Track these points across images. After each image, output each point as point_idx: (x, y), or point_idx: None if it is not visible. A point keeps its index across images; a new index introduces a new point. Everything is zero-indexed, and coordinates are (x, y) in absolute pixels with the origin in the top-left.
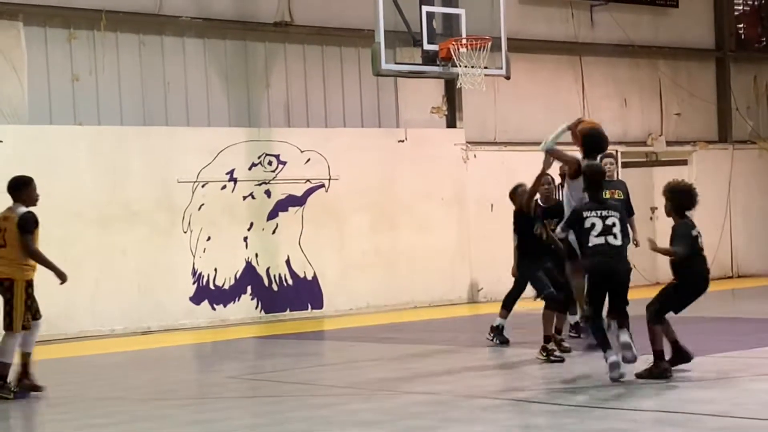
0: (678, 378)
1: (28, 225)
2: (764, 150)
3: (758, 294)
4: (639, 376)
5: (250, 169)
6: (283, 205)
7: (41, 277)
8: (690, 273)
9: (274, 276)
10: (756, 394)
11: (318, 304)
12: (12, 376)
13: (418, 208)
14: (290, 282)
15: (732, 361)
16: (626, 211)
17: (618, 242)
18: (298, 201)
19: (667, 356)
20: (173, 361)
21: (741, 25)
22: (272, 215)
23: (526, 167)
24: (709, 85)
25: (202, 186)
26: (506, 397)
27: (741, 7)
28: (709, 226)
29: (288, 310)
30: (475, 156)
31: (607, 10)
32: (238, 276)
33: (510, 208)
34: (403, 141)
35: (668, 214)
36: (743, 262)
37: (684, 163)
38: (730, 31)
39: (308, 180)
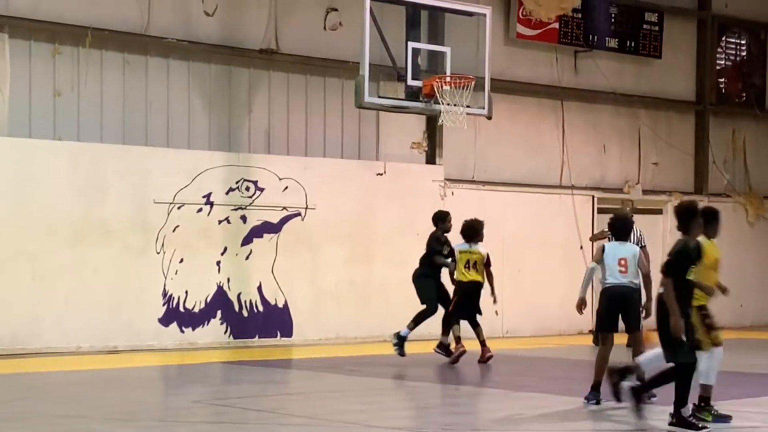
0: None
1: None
2: (739, 204)
3: (726, 347)
4: None
5: (227, 193)
6: (258, 232)
7: (7, 293)
8: None
9: (245, 302)
10: None
11: (287, 332)
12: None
13: (393, 242)
14: (261, 309)
15: None
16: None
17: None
18: (273, 228)
19: None
20: (138, 382)
21: (722, 80)
22: (247, 241)
23: (503, 207)
24: (687, 136)
25: (178, 208)
26: None
27: (723, 62)
28: None
29: (257, 336)
30: (452, 193)
31: (591, 57)
32: (208, 300)
33: (485, 246)
34: (381, 174)
35: None
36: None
37: (659, 212)
38: (711, 84)
39: (285, 208)
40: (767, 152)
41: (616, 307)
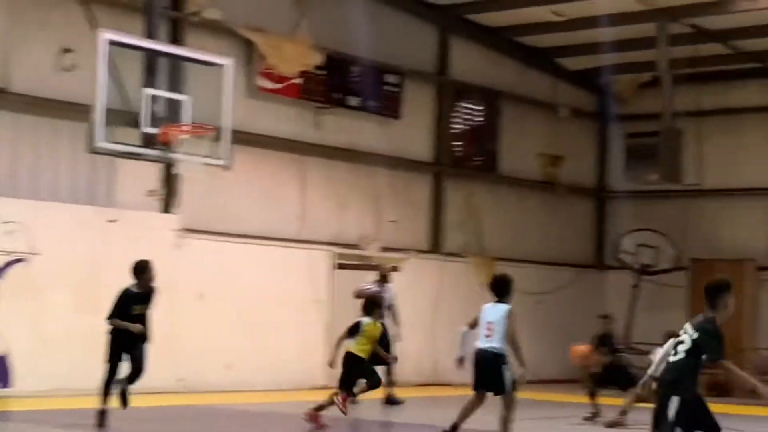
0: None
1: None
2: (472, 264)
3: (458, 402)
4: None
5: None
6: None
7: None
8: None
9: None
10: None
11: (5, 382)
12: None
13: None
14: None
15: None
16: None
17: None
18: None
19: None
20: None
21: (458, 143)
22: None
23: (241, 259)
24: (425, 196)
25: None
26: None
27: (460, 126)
28: (417, 333)
29: None
30: (189, 243)
31: (332, 113)
32: None
33: (221, 298)
34: (113, 221)
35: None
36: (445, 369)
37: (396, 269)
38: (447, 147)
39: (8, 252)
40: (500, 215)
41: (477, 370)
